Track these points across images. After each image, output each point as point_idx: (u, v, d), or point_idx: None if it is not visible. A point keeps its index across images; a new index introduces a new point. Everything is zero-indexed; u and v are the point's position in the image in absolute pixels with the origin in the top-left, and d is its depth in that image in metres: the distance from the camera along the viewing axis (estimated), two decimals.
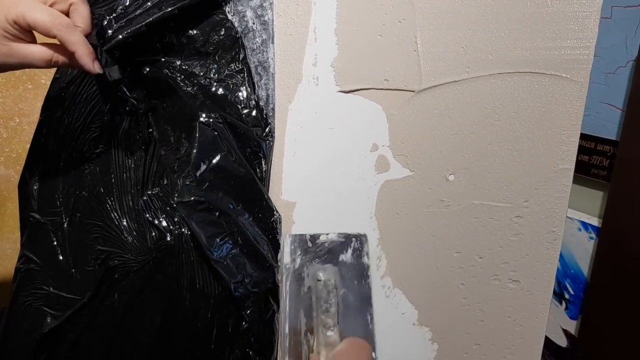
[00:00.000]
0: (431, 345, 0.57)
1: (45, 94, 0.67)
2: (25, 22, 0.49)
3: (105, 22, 0.56)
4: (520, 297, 0.51)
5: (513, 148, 0.49)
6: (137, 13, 0.55)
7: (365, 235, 0.54)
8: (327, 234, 0.56)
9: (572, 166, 0.47)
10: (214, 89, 0.59)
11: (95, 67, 0.53)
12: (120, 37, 0.55)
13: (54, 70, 0.74)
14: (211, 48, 0.58)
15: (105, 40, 0.55)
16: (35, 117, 0.81)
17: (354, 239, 0.54)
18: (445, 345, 0.56)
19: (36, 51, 0.52)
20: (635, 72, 0.68)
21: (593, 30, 0.47)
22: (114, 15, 0.56)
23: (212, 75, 0.59)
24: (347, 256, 0.53)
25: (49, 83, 0.74)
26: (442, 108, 0.52)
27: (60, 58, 0.53)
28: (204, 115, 0.58)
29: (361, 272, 0.53)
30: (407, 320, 0.57)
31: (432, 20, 0.52)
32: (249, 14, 0.58)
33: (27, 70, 0.88)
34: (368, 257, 0.54)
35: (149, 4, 0.56)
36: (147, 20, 0.55)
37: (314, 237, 0.56)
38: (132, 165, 0.63)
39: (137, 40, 0.56)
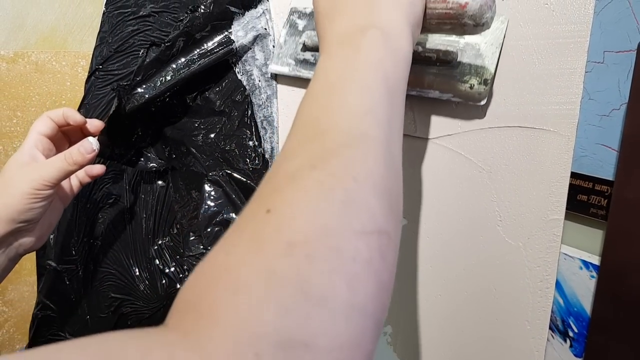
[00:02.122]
0: None
1: None
2: (50, 183, 0.53)
3: (127, 86, 0.60)
4: (513, 344, 0.53)
5: (505, 199, 0.51)
6: (155, 78, 0.59)
7: None
8: None
9: (562, 217, 0.49)
10: (225, 144, 0.62)
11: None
12: (142, 100, 0.59)
13: None
14: (225, 107, 0.62)
15: (127, 102, 0.59)
16: None
17: None
18: None
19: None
20: (628, 115, 0.70)
21: (578, 87, 0.49)
22: (137, 79, 0.60)
23: (225, 131, 0.62)
24: None
25: None
26: (435, 160, 0.55)
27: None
28: (213, 172, 0.61)
29: None
30: None
31: None
32: (256, 72, 0.61)
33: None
34: None
35: (165, 73, 0.60)
36: (165, 86, 0.59)
37: None
38: (144, 215, 0.66)
39: (159, 103, 0.60)
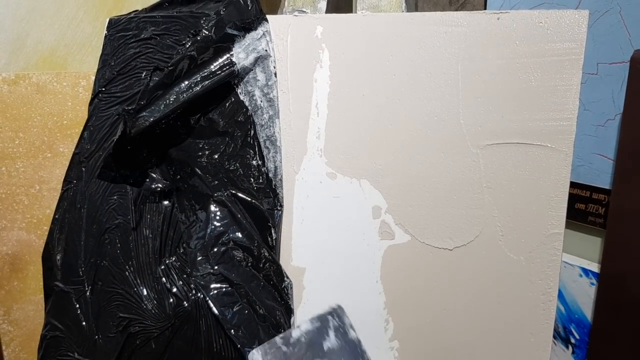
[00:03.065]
0: None
1: (63, 162, 0.72)
2: None
3: (131, 110, 0.61)
4: (518, 356, 0.54)
5: (506, 214, 0.53)
6: (159, 101, 0.60)
7: (339, 307, 0.51)
8: (298, 327, 0.52)
9: (562, 230, 0.51)
10: (229, 164, 0.63)
11: None
12: (146, 123, 0.60)
13: (72, 138, 0.79)
14: (228, 128, 0.63)
15: (132, 125, 0.60)
16: (54, 183, 0.85)
17: (330, 318, 0.51)
18: None
19: None
20: (623, 125, 0.71)
21: (574, 103, 0.50)
22: (141, 103, 0.61)
23: (229, 151, 0.63)
24: (331, 341, 0.49)
25: (67, 151, 0.79)
26: (437, 177, 0.56)
27: None
28: (218, 193, 0.62)
29: (354, 351, 0.49)
30: None
31: (430, 98, 0.56)
32: (257, 93, 0.62)
33: (45, 139, 0.92)
34: (354, 330, 0.50)
35: (169, 96, 0.61)
36: (169, 109, 0.60)
37: (286, 339, 0.52)
38: (150, 235, 0.66)
39: (164, 125, 0.61)
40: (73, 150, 0.71)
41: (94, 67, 0.72)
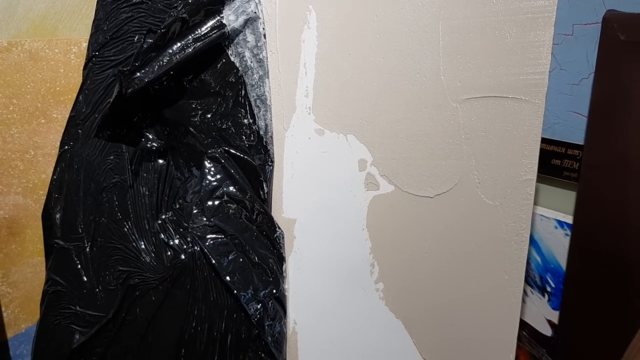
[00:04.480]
0: (410, 337, 0.64)
1: (57, 128, 0.74)
2: None
3: (127, 71, 0.63)
4: (493, 292, 0.58)
5: (483, 163, 0.56)
6: (153, 62, 0.63)
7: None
8: None
9: (534, 177, 0.54)
10: (221, 123, 0.66)
11: None
12: (141, 84, 0.62)
13: (65, 104, 0.81)
14: (220, 88, 0.66)
15: (127, 86, 0.62)
16: (49, 149, 0.88)
17: None
18: (423, 336, 0.63)
19: None
20: (595, 83, 0.74)
21: (546, 58, 0.54)
22: (135, 65, 0.63)
23: (221, 110, 0.66)
24: None
25: (60, 117, 0.81)
26: (419, 130, 0.59)
27: None
28: (211, 150, 0.65)
29: None
30: (399, 321, 0.64)
31: (412, 56, 0.59)
32: (247, 54, 0.65)
33: (39, 105, 0.94)
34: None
35: (162, 58, 0.63)
36: (162, 70, 0.62)
37: None
38: (147, 192, 0.69)
39: (157, 86, 0.64)
40: (67, 116, 0.73)
41: (84, 34, 0.74)
